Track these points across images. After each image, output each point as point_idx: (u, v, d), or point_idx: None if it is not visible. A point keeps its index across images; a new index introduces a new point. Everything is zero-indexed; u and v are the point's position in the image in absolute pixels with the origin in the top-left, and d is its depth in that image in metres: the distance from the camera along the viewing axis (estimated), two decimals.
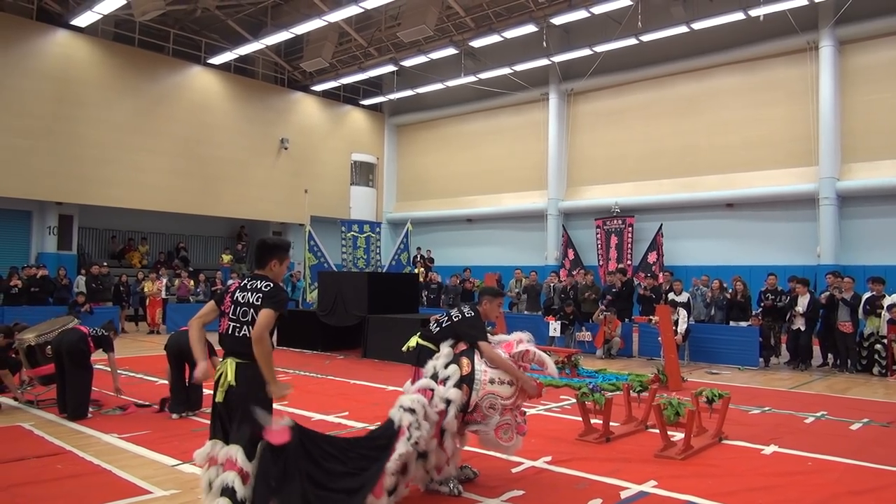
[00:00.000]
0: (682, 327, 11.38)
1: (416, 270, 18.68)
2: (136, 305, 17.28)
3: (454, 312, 4.87)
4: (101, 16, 16.71)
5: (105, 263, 17.62)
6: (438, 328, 4.83)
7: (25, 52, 16.96)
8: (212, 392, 3.78)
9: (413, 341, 4.95)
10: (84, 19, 16.84)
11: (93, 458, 5.40)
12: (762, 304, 11.95)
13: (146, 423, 6.70)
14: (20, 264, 15.96)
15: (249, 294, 3.69)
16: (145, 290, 16.61)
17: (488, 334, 4.84)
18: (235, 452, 3.49)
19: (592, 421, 6.18)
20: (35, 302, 14.34)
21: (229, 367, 3.62)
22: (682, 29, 16.69)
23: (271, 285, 3.72)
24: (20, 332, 7.78)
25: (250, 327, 3.60)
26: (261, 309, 3.61)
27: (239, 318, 3.67)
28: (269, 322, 3.57)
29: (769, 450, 5.89)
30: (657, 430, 5.82)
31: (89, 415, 6.95)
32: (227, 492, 3.45)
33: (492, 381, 4.53)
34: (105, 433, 6.24)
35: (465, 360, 4.54)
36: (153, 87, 19.39)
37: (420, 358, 4.78)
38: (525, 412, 4.89)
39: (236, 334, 3.66)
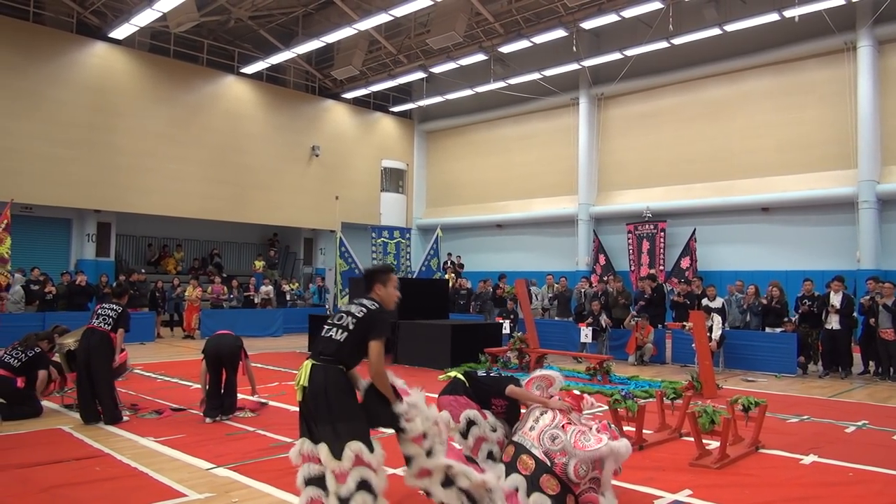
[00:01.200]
0: (716, 333, 11.19)
1: (446, 276, 18.70)
2: (171, 311, 17.60)
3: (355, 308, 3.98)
4: (137, 28, 17.12)
5: (143, 271, 17.98)
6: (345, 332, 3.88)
7: (66, 64, 17.44)
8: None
9: (453, 373, 4.75)
10: (121, 32, 17.27)
11: (130, 460, 5.50)
12: (799, 311, 11.70)
13: (181, 426, 6.79)
14: (60, 270, 16.34)
15: (354, 306, 3.88)
16: (186, 294, 16.92)
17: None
18: (322, 452, 3.58)
19: (625, 428, 6.10)
20: (74, 308, 14.68)
21: (304, 369, 3.73)
22: (715, 31, 16.47)
23: (376, 304, 3.88)
24: (60, 336, 7.98)
25: (343, 332, 3.75)
26: (361, 333, 3.73)
27: (335, 322, 3.85)
28: (381, 353, 3.68)
29: (808, 460, 5.75)
30: (691, 439, 5.72)
31: (125, 417, 7.03)
32: (315, 481, 3.63)
33: (531, 429, 4.24)
34: (141, 436, 6.35)
35: (524, 458, 4.14)
36: (188, 97, 19.78)
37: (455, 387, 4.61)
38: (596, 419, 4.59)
39: (327, 335, 3.81)
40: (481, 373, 4.77)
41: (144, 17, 16.28)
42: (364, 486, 3.53)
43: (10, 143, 16.20)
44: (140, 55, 18.99)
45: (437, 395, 4.60)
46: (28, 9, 17.07)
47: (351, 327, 3.76)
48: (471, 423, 4.45)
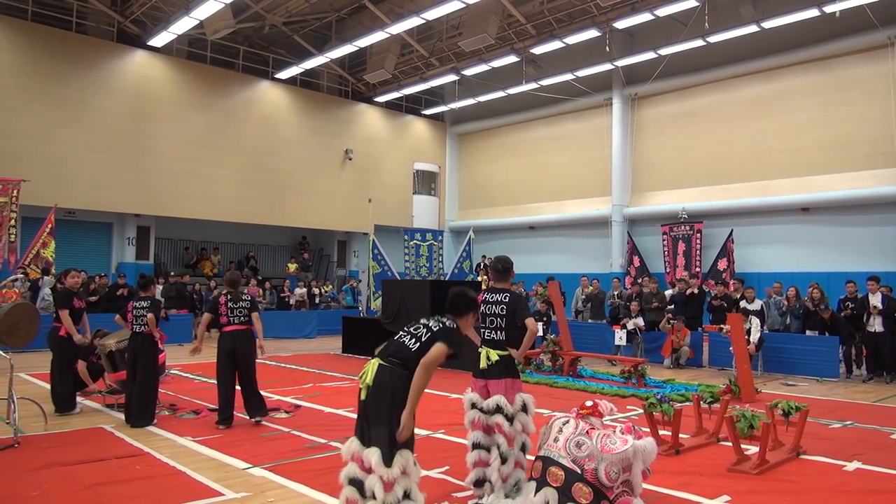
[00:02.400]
0: (754, 336, 10.96)
1: (478, 278, 18.68)
2: (192, 312, 17.85)
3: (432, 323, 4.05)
4: (175, 36, 17.49)
5: (186, 275, 18.31)
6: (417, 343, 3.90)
7: (107, 72, 17.90)
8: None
9: (494, 356, 4.64)
10: (160, 39, 17.66)
11: (168, 459, 5.61)
12: (842, 313, 11.41)
13: (218, 426, 6.90)
14: (101, 273, 16.72)
15: (434, 321, 3.93)
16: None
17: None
18: (371, 455, 3.57)
19: (660, 432, 6.01)
20: (114, 310, 14.98)
21: (371, 368, 3.74)
22: (752, 28, 16.16)
23: (454, 325, 3.94)
24: (102, 338, 8.17)
25: (416, 342, 3.78)
26: (432, 343, 3.75)
27: (410, 330, 3.88)
28: (440, 356, 3.69)
29: (852, 466, 5.60)
30: (729, 444, 5.62)
31: (154, 420, 7.02)
32: (355, 483, 3.64)
33: (556, 440, 4.20)
34: (180, 436, 6.48)
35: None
36: (224, 103, 20.13)
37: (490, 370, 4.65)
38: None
39: (400, 340, 3.85)
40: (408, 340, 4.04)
41: (182, 25, 16.62)
42: (408, 497, 3.57)
43: (54, 150, 16.67)
44: (178, 62, 19.40)
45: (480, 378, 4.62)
46: (71, 19, 17.56)
47: (424, 339, 3.78)
48: (525, 407, 4.53)
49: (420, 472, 3.73)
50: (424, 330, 3.84)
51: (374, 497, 3.54)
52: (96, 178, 17.41)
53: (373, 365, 3.74)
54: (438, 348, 3.68)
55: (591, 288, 15.92)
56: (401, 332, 3.92)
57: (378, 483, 3.52)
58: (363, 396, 3.73)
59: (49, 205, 14.98)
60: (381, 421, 3.60)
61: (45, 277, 14.53)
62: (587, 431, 4.15)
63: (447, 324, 3.92)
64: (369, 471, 3.58)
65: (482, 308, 4.71)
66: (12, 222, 14.19)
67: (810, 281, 12.94)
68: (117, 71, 18.11)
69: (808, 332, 11.84)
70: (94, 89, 17.62)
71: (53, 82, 16.93)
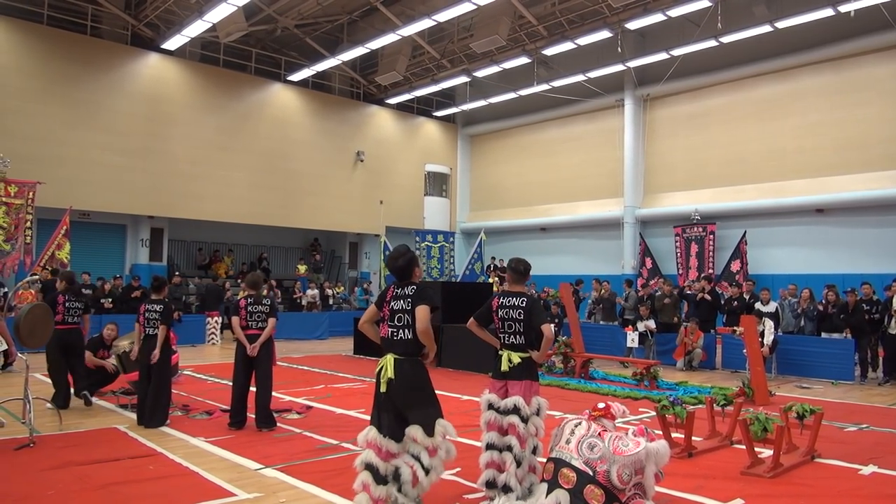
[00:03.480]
0: (768, 338, 10.88)
1: (489, 280, 18.67)
2: (223, 314, 17.97)
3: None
4: (188, 39, 17.61)
5: (177, 274, 18.27)
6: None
7: (121, 75, 18.05)
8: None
9: (516, 358, 4.60)
10: (173, 43, 17.80)
11: (181, 459, 5.64)
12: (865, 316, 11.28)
13: (230, 428, 6.92)
14: (115, 275, 16.86)
15: (401, 301, 4.25)
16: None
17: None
18: (416, 431, 4.08)
19: (673, 435, 5.98)
20: (129, 311, 15.11)
21: (389, 363, 4.17)
22: (766, 28, 16.05)
23: (415, 286, 4.28)
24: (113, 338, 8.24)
25: (406, 330, 4.19)
26: (415, 307, 4.16)
27: (395, 323, 4.25)
28: (427, 316, 4.13)
29: (867, 470, 5.54)
30: (743, 446, 5.58)
31: (167, 421, 7.05)
32: (371, 468, 4.11)
33: (567, 441, 4.21)
34: (193, 436, 6.51)
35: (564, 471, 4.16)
36: (237, 105, 20.25)
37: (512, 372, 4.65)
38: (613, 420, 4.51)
39: (394, 338, 4.25)
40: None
41: (195, 28, 16.74)
42: (448, 454, 4.18)
43: (68, 152, 16.83)
44: (191, 65, 19.53)
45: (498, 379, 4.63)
46: (86, 23, 17.73)
47: (410, 323, 4.17)
48: (539, 410, 4.53)
49: (453, 431, 4.24)
50: (407, 317, 4.19)
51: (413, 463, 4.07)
52: (110, 180, 17.56)
53: (389, 360, 4.16)
54: (421, 310, 4.13)
55: (602, 290, 15.86)
56: (389, 329, 4.27)
57: (424, 451, 4.06)
58: (384, 389, 4.15)
59: (64, 207, 15.12)
60: (415, 404, 4.13)
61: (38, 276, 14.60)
62: (599, 433, 4.14)
63: (413, 291, 4.24)
64: (386, 457, 4.11)
65: (499, 312, 4.69)
66: (28, 224, 14.35)
67: (825, 282, 12.84)
68: (131, 74, 18.26)
69: (822, 335, 11.74)
70: (108, 92, 17.78)
71: (69, 85, 17.10)
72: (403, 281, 4.38)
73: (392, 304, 4.29)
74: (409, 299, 4.21)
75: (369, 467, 4.11)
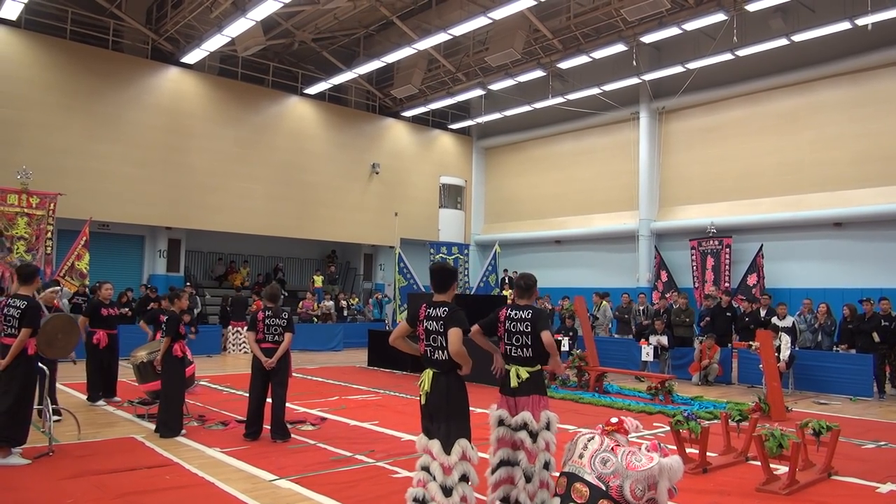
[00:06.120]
0: (784, 354, 10.77)
1: (503, 292, 18.65)
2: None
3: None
4: (207, 53, 17.87)
5: (187, 285, 18.46)
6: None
7: (141, 88, 18.34)
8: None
9: (524, 373, 4.61)
10: (192, 56, 18.06)
11: (197, 470, 5.70)
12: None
13: (245, 439, 6.97)
14: (133, 285, 17.04)
15: (434, 322, 4.33)
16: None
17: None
18: (434, 446, 4.17)
19: (688, 450, 5.95)
20: (147, 322, 15.22)
21: (427, 377, 4.32)
22: (782, 42, 16.01)
23: (447, 308, 4.35)
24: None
25: (441, 351, 4.29)
26: (448, 330, 4.25)
27: (431, 343, 4.36)
28: (459, 339, 4.19)
29: (885, 488, 5.47)
30: (758, 463, 5.54)
31: (183, 431, 7.11)
32: (426, 469, 4.21)
33: (580, 456, 4.24)
34: (208, 447, 6.57)
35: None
36: (254, 118, 20.48)
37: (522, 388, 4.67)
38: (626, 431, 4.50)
39: (432, 357, 4.37)
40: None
41: (214, 43, 16.99)
42: (465, 479, 4.15)
43: (89, 164, 17.09)
44: (209, 78, 19.80)
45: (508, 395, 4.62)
46: (107, 37, 18.05)
47: (445, 345, 4.26)
48: (549, 425, 4.52)
49: (478, 455, 4.26)
50: (441, 338, 4.27)
51: (434, 481, 4.13)
52: (130, 192, 17.79)
53: (428, 375, 4.33)
54: (454, 333, 4.20)
55: (602, 304, 15.78)
56: (427, 348, 4.39)
57: (438, 468, 4.11)
58: (423, 402, 4.30)
59: (84, 217, 15.35)
60: (440, 418, 4.21)
61: (64, 289, 14.75)
62: (612, 448, 4.14)
63: (445, 314, 4.31)
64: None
65: (506, 325, 4.73)
66: (49, 235, 14.57)
67: (842, 297, 12.73)
68: (151, 87, 18.54)
69: (836, 349, 11.63)
70: (128, 105, 18.06)
71: (90, 98, 17.40)
72: (439, 293, 4.48)
73: (426, 323, 4.39)
74: (442, 321, 4.28)
75: (424, 468, 4.24)
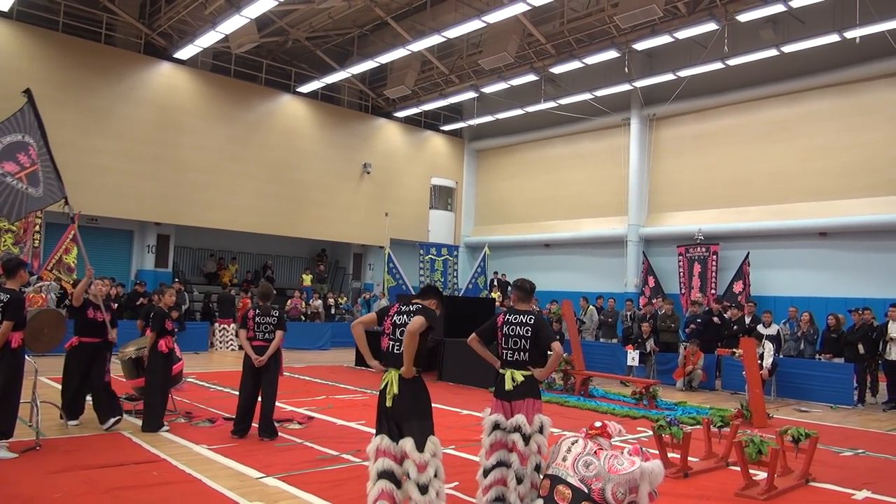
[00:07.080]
0: (767, 361, 10.93)
1: (492, 295, 18.74)
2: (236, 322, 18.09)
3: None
4: (201, 49, 17.84)
5: (175, 282, 18.40)
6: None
7: (134, 83, 18.28)
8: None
9: (519, 377, 4.66)
10: (186, 52, 18.03)
11: (185, 466, 5.73)
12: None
13: (233, 436, 7.01)
14: (122, 280, 16.97)
15: (405, 317, 4.34)
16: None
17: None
18: (407, 444, 4.15)
19: (669, 455, 6.05)
20: (135, 317, 15.20)
21: (393, 380, 4.28)
22: (772, 52, 16.20)
23: (421, 306, 4.39)
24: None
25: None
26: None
27: (396, 336, 4.36)
28: (420, 325, 4.19)
29: (861, 495, 5.59)
30: (738, 468, 5.64)
31: (165, 426, 7.11)
32: (386, 475, 4.15)
33: (564, 459, 4.34)
34: (196, 444, 6.60)
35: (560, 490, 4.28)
36: (247, 115, 20.45)
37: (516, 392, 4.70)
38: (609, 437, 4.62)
39: (395, 352, 4.35)
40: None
41: (208, 39, 16.96)
42: (437, 475, 4.18)
43: (79, 158, 16.96)
44: (202, 74, 19.76)
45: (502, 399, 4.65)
46: (100, 31, 17.98)
47: None
48: (542, 428, 4.58)
49: (441, 450, 4.29)
50: (404, 329, 4.24)
51: (409, 479, 4.12)
52: (120, 187, 17.72)
53: (393, 377, 4.27)
54: (417, 319, 4.20)
55: (589, 309, 15.90)
56: (390, 342, 4.39)
57: (413, 466, 4.11)
58: (389, 404, 4.24)
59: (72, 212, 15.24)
60: (412, 417, 4.21)
61: (52, 283, 14.64)
62: (595, 451, 4.22)
63: (416, 307, 4.35)
64: (401, 460, 4.17)
65: (504, 329, 4.77)
66: (37, 228, 14.49)
67: (827, 306, 12.91)
68: (143, 82, 18.48)
69: (818, 358, 11.79)
70: (120, 99, 17.99)
71: (81, 92, 17.31)
72: (419, 297, 4.54)
73: (395, 317, 4.40)
74: (412, 314, 4.29)
75: (385, 474, 4.15)
